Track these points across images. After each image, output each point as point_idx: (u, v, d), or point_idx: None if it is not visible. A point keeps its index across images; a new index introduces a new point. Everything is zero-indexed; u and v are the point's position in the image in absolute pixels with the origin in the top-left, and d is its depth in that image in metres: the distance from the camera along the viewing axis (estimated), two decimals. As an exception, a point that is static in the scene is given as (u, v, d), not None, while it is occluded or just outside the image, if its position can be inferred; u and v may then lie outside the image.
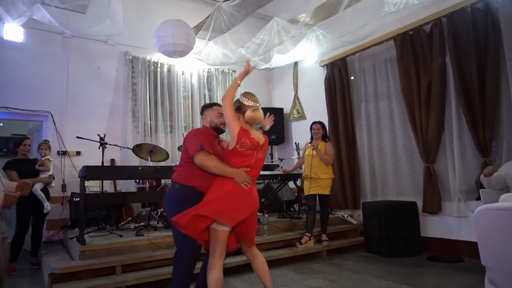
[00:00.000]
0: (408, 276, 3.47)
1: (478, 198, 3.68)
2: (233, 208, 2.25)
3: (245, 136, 2.34)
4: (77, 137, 4.34)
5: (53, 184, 4.43)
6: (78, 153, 5.25)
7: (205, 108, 2.71)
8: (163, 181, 5.01)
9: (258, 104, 2.42)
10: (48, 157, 4.38)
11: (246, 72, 2.49)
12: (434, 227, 4.46)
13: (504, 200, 1.80)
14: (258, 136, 2.42)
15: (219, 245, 2.25)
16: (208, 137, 2.53)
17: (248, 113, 2.36)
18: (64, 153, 5.14)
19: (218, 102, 2.79)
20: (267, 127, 2.60)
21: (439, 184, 4.38)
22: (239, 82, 2.46)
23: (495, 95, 3.88)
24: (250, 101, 2.40)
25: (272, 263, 3.95)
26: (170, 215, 2.35)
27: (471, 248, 3.89)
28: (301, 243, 4.36)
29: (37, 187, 4.15)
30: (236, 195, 2.28)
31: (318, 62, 6.16)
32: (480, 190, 3.48)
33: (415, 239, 4.41)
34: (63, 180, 5.06)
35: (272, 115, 2.67)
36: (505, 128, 3.85)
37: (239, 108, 2.43)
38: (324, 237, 4.52)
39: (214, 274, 2.22)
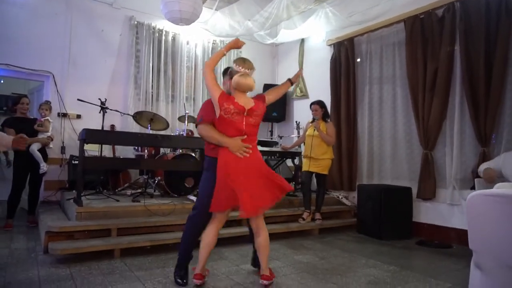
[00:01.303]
0: (396, 257, 3.55)
1: (473, 188, 3.71)
2: (220, 189, 2.36)
3: (227, 101, 2.34)
4: (78, 100, 4.33)
5: (51, 146, 4.45)
6: (78, 116, 5.24)
7: (224, 73, 2.74)
8: (162, 150, 5.04)
9: (248, 71, 2.40)
10: (47, 118, 4.38)
11: (234, 46, 2.54)
12: (427, 213, 4.53)
13: (498, 188, 1.82)
14: (246, 101, 2.39)
15: (218, 213, 2.43)
16: (210, 107, 2.53)
17: (234, 78, 2.38)
18: (65, 115, 5.13)
19: None
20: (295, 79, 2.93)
21: (435, 171, 4.41)
22: (225, 52, 2.49)
23: (500, 86, 3.84)
24: (239, 67, 2.39)
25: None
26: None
27: (461, 235, 3.97)
28: (303, 219, 4.46)
29: (34, 147, 4.17)
30: (223, 172, 2.37)
31: (325, 41, 6.06)
32: (475, 179, 3.51)
33: (406, 223, 4.48)
34: (63, 142, 5.08)
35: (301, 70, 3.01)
36: (507, 119, 3.84)
37: (229, 72, 2.49)
38: (317, 215, 4.59)
39: (205, 237, 2.44)
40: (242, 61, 2.42)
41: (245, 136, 2.41)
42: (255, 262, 2.88)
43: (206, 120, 2.50)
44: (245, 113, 2.38)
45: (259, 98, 2.54)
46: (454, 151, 4.20)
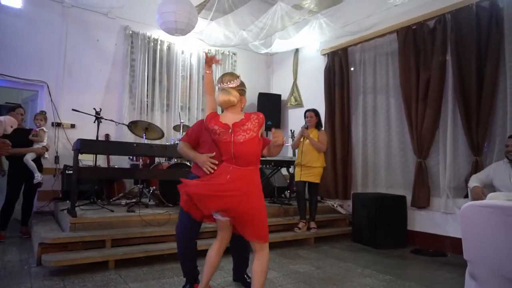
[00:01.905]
0: (392, 267, 3.56)
1: (466, 196, 3.75)
2: (206, 195, 2.08)
3: (212, 122, 2.16)
4: (73, 110, 4.31)
5: (46, 156, 4.42)
6: (73, 125, 5.21)
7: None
8: (156, 159, 5.02)
9: (224, 85, 2.17)
10: (43, 128, 4.36)
11: (210, 63, 2.38)
12: (421, 221, 4.55)
13: (491, 198, 1.85)
14: (233, 118, 2.14)
15: (219, 230, 2.29)
16: (198, 127, 2.57)
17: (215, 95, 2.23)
18: (59, 125, 5.10)
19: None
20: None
21: (429, 180, 4.45)
22: (207, 71, 2.38)
23: (492, 96, 3.91)
24: (218, 83, 2.24)
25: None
26: None
27: (455, 244, 4.00)
28: (299, 228, 4.46)
29: (29, 157, 4.13)
30: (208, 182, 2.15)
31: (320, 50, 6.13)
32: (469, 188, 3.54)
33: (401, 232, 4.50)
34: (56, 152, 5.04)
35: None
36: (499, 129, 3.90)
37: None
38: (312, 224, 4.59)
39: (207, 256, 2.29)
40: (220, 78, 2.24)
41: (213, 154, 2.29)
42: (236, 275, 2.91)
43: (185, 139, 2.56)
44: (230, 130, 2.11)
45: (254, 114, 2.21)
46: (447, 160, 4.25)
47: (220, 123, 2.14)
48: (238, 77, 2.24)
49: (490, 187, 3.35)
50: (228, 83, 2.18)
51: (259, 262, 2.12)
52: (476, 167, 3.91)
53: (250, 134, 2.11)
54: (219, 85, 2.20)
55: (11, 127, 2.27)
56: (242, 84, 2.26)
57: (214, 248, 2.28)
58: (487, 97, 3.92)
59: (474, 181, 3.47)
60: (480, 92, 3.97)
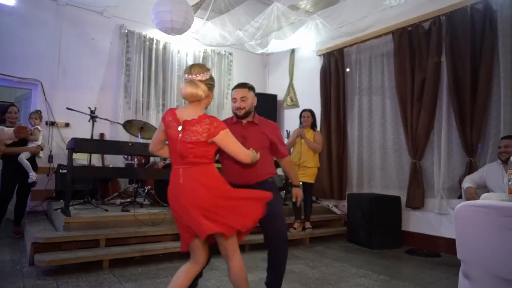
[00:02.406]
0: (386, 267, 3.58)
1: (460, 197, 3.77)
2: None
3: (169, 113, 2.03)
4: (67, 109, 4.29)
5: (41, 155, 4.38)
6: (67, 124, 5.17)
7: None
8: (152, 159, 5.01)
9: (192, 76, 1.99)
10: (37, 126, 4.32)
11: None
12: (415, 222, 4.57)
13: (484, 199, 1.86)
14: (189, 113, 1.98)
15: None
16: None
17: None
18: (53, 124, 5.06)
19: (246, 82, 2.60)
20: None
21: (423, 181, 4.47)
22: None
23: (486, 97, 3.94)
24: (185, 73, 2.06)
25: (256, 247, 4.01)
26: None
27: (449, 244, 4.02)
28: (294, 229, 4.47)
29: (23, 156, 4.10)
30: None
31: (316, 51, 6.14)
32: (462, 189, 3.57)
33: (396, 232, 4.52)
34: (50, 151, 5.00)
35: None
36: (492, 130, 3.93)
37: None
38: (307, 224, 4.60)
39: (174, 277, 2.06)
40: (188, 68, 2.05)
41: None
42: None
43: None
44: (180, 126, 1.97)
45: (210, 120, 1.97)
46: (442, 161, 4.28)
47: (174, 115, 2.00)
48: (208, 70, 2.06)
49: (483, 188, 3.38)
50: (197, 75, 2.00)
51: (233, 270, 2.00)
52: (470, 168, 3.94)
53: (197, 137, 1.93)
54: (186, 76, 2.02)
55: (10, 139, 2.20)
56: (211, 79, 2.09)
57: (182, 270, 2.02)
58: (481, 99, 3.95)
59: (468, 182, 3.49)
60: (474, 93, 4.00)
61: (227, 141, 2.01)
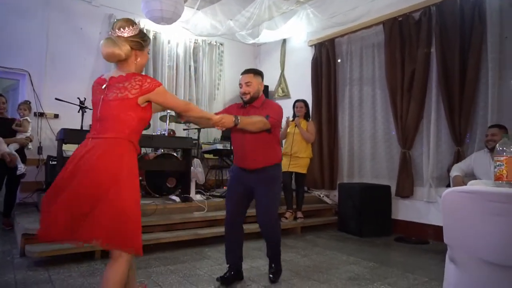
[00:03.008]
0: (376, 254, 3.64)
1: (448, 185, 3.84)
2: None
3: (95, 80, 1.83)
4: (56, 99, 4.23)
5: (30, 146, 4.33)
6: (56, 116, 5.11)
7: None
8: (143, 150, 4.98)
9: (110, 33, 1.76)
10: (26, 118, 4.26)
11: None
12: (405, 210, 4.65)
13: (472, 185, 1.90)
14: (116, 74, 1.75)
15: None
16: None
17: None
18: (42, 115, 5.00)
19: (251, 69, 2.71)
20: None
21: (413, 170, 4.54)
22: None
23: (474, 87, 3.99)
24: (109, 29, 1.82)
25: (248, 236, 4.01)
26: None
27: (437, 231, 4.10)
28: (286, 218, 4.51)
29: (12, 148, 4.05)
30: None
31: (307, 41, 6.13)
32: (450, 178, 3.64)
33: (386, 220, 4.59)
34: (40, 143, 4.95)
35: None
36: (480, 120, 3.99)
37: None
38: (299, 214, 4.65)
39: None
40: (112, 24, 1.83)
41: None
42: None
43: None
44: (105, 85, 1.72)
45: (142, 77, 1.74)
46: (431, 150, 4.34)
47: (99, 79, 1.79)
48: (133, 24, 1.75)
49: (471, 176, 3.44)
50: (118, 30, 1.71)
51: (112, 271, 1.66)
52: (458, 157, 4.00)
53: (125, 94, 1.66)
54: (109, 33, 1.77)
55: None
56: (139, 35, 1.77)
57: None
58: (469, 89, 4.00)
59: (456, 171, 3.56)
60: (463, 83, 4.05)
61: (166, 95, 1.80)
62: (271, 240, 2.71)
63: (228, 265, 2.70)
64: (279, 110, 2.61)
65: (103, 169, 1.62)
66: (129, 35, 1.72)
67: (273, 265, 2.76)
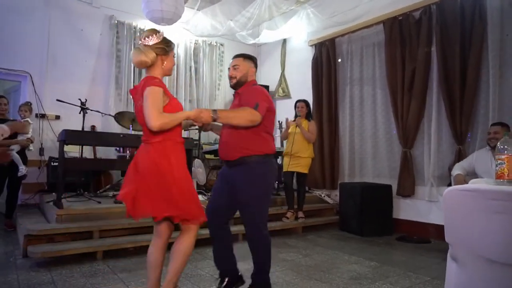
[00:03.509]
0: (378, 253, 3.64)
1: (450, 185, 3.84)
2: None
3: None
4: (57, 100, 4.25)
5: (31, 148, 4.33)
6: (58, 117, 5.12)
7: None
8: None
9: (139, 42, 1.96)
10: (27, 119, 4.27)
11: None
12: (406, 209, 4.65)
13: (473, 183, 1.90)
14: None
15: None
16: None
17: None
18: (43, 116, 5.01)
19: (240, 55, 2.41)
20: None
21: (414, 169, 4.54)
22: None
23: (474, 86, 3.99)
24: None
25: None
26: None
27: (438, 230, 4.09)
28: (287, 218, 4.52)
29: (13, 149, 4.05)
30: None
31: (307, 41, 6.13)
32: (452, 176, 3.63)
33: (387, 220, 4.59)
34: (41, 144, 4.96)
35: None
36: (481, 118, 3.99)
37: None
38: (300, 214, 4.64)
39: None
40: (141, 34, 2.02)
41: None
42: None
43: None
44: (135, 94, 2.00)
45: (146, 79, 1.93)
46: (432, 149, 4.34)
47: (134, 87, 2.04)
48: (157, 33, 1.94)
49: (472, 175, 3.44)
50: (144, 40, 1.91)
51: (181, 242, 1.98)
52: (459, 156, 4.00)
53: (141, 101, 1.88)
54: (138, 42, 1.97)
55: (1, 135, 2.16)
56: (163, 42, 1.96)
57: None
58: (470, 87, 4.00)
59: (457, 169, 3.55)
60: (464, 82, 4.05)
61: (147, 99, 1.81)
62: (255, 258, 2.27)
63: (219, 271, 2.39)
64: (265, 94, 2.26)
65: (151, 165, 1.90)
66: (154, 43, 1.92)
67: None
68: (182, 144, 2.00)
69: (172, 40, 2.17)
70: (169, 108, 1.91)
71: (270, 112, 2.25)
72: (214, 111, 2.04)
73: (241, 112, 2.12)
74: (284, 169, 4.62)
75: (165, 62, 1.99)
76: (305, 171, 4.59)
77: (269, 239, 2.28)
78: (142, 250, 3.38)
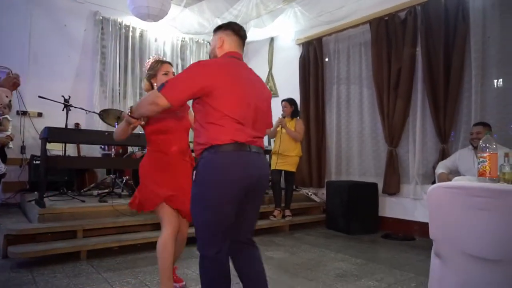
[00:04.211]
0: (363, 251, 3.68)
1: (434, 182, 3.90)
2: None
3: None
4: (39, 97, 4.14)
5: (10, 145, 4.24)
6: (40, 114, 5.01)
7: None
8: (129, 149, 4.92)
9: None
10: (6, 116, 4.17)
11: None
12: (392, 207, 4.71)
13: (456, 181, 1.93)
14: None
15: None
16: None
17: None
18: (24, 113, 4.88)
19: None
20: None
21: (399, 167, 4.59)
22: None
23: (458, 86, 4.06)
24: None
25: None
26: None
27: (423, 228, 4.15)
28: (274, 216, 4.52)
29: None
30: None
31: (295, 40, 6.14)
32: (436, 175, 3.69)
33: (373, 218, 4.64)
34: (23, 142, 4.84)
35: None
36: (464, 117, 4.06)
37: None
38: (287, 212, 4.66)
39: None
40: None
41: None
42: None
43: None
44: None
45: None
46: (417, 148, 4.40)
47: None
48: (148, 61, 2.32)
49: (456, 173, 3.50)
50: (145, 68, 2.30)
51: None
52: (443, 155, 4.07)
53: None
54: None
55: (6, 96, 2.13)
56: (150, 68, 2.27)
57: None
58: (453, 87, 4.07)
59: (441, 168, 3.62)
60: (447, 82, 4.12)
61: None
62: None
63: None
64: (191, 70, 1.67)
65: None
66: (146, 73, 2.30)
67: None
68: (160, 153, 2.21)
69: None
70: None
71: (209, 95, 1.62)
72: (131, 107, 1.87)
73: (143, 99, 1.77)
74: (272, 167, 4.62)
75: (155, 84, 2.22)
76: (293, 169, 4.61)
77: (212, 266, 1.67)
78: (127, 250, 3.34)
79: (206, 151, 1.65)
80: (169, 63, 2.33)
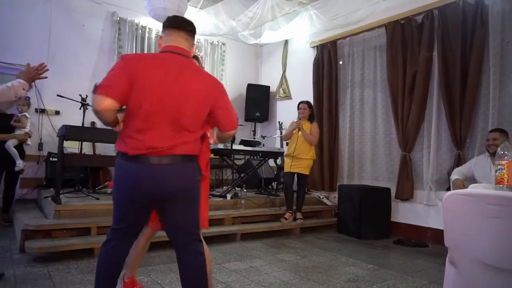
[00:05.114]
0: (375, 256, 3.64)
1: (448, 189, 3.85)
2: None
3: None
4: (58, 95, 4.23)
5: (29, 142, 4.33)
6: (57, 112, 5.11)
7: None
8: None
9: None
10: (25, 113, 4.27)
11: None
12: (404, 213, 4.65)
13: (472, 188, 1.91)
14: None
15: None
16: None
17: None
18: (43, 111, 4.99)
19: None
20: None
21: (413, 173, 4.54)
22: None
23: (475, 91, 4.00)
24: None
25: (247, 236, 4.08)
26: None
27: (436, 234, 4.11)
28: (285, 219, 4.51)
29: (11, 143, 4.05)
30: None
31: (309, 43, 6.14)
32: (451, 181, 3.64)
33: (385, 223, 4.59)
34: (40, 139, 4.94)
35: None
36: (481, 123, 4.00)
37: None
38: (298, 215, 4.65)
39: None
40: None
41: None
42: None
43: None
44: None
45: None
46: (431, 154, 4.34)
47: None
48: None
49: (471, 180, 3.45)
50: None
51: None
52: (458, 161, 4.01)
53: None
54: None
55: (24, 89, 2.18)
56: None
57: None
58: (470, 92, 4.01)
59: (456, 174, 3.57)
60: (464, 87, 4.06)
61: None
62: None
63: None
64: (116, 66, 1.65)
65: None
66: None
67: None
68: None
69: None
70: None
71: (133, 86, 1.58)
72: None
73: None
74: (286, 170, 4.62)
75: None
76: (307, 172, 4.60)
77: (103, 254, 1.80)
78: (139, 248, 3.38)
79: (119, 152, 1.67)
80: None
